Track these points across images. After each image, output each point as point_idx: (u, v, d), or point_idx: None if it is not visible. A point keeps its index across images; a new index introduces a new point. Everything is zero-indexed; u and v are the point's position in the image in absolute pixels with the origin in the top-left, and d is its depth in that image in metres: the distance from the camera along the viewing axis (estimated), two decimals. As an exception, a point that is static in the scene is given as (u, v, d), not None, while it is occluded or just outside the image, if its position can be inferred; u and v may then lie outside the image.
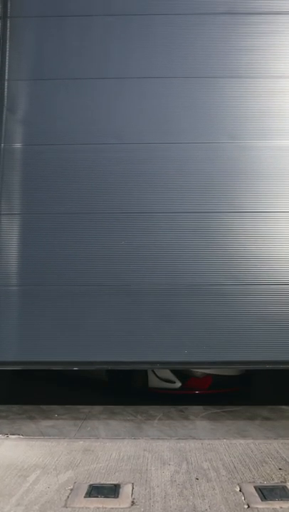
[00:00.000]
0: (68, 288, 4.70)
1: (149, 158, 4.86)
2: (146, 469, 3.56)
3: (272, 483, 3.35)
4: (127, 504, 3.01)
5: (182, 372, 6.04)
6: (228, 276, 4.67)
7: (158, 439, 4.29)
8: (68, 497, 3.11)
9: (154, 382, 6.07)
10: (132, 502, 3.04)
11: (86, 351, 4.65)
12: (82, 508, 2.97)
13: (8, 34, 5.03)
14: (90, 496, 3.12)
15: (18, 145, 4.93)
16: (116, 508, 2.96)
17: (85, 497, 3.11)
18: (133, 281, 4.69)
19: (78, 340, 4.65)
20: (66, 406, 5.69)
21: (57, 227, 4.80)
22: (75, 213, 4.81)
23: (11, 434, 4.38)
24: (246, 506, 3.01)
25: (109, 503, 3.02)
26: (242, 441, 4.22)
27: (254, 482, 3.36)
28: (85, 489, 3.21)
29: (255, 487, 3.26)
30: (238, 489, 3.25)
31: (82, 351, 4.66)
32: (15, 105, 4.96)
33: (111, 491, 3.19)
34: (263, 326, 4.60)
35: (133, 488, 3.24)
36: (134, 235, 4.75)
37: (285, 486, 3.28)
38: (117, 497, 3.11)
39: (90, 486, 3.27)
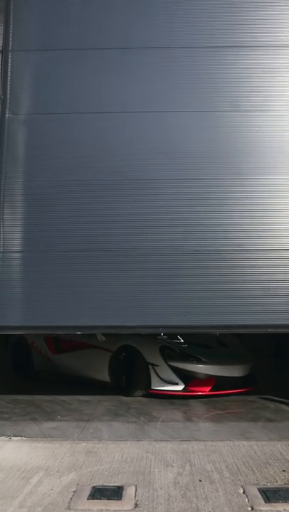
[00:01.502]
0: (71, 254, 4.74)
1: (152, 126, 4.89)
2: (150, 471, 3.55)
3: (275, 485, 3.34)
4: (131, 506, 3.00)
5: (185, 374, 6.03)
6: (230, 242, 4.70)
7: (161, 440, 4.28)
8: (71, 499, 3.10)
9: (156, 383, 6.06)
10: (136, 504, 3.03)
11: (89, 316, 4.67)
12: (86, 510, 2.96)
13: (11, 5, 5.09)
14: (93, 498, 3.11)
15: (22, 115, 4.97)
16: (119, 510, 2.95)
17: (88, 499, 3.10)
18: (136, 247, 4.72)
19: (82, 305, 4.68)
20: (69, 408, 5.69)
21: (60, 194, 4.84)
22: (79, 180, 4.83)
23: (13, 436, 4.38)
24: (250, 508, 3.00)
25: (112, 505, 3.02)
26: (245, 442, 4.20)
27: (258, 484, 3.34)
28: (88, 491, 3.21)
29: (258, 489, 3.25)
30: (242, 491, 3.23)
31: (85, 316, 4.68)
32: (19, 75, 5.01)
33: (114, 492, 3.18)
34: (263, 290, 4.63)
35: (136, 490, 3.23)
36: (137, 202, 4.78)
37: (289, 488, 3.27)
38: (120, 499, 3.10)
39: (93, 487, 3.26)
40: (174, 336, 6.83)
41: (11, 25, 5.05)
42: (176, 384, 6.00)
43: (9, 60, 5.01)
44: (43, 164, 4.89)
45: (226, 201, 4.76)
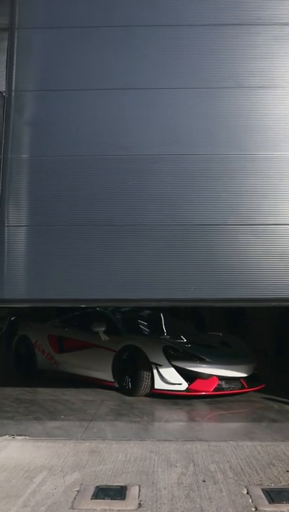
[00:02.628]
0: (76, 228, 4.78)
1: (156, 102, 4.91)
2: (153, 471, 3.55)
3: (279, 485, 3.33)
4: (134, 506, 3.00)
5: (188, 374, 6.02)
6: (234, 216, 4.73)
7: (164, 440, 4.27)
8: (75, 498, 3.10)
9: (160, 383, 6.05)
10: (139, 504, 3.03)
11: (94, 289, 4.70)
12: (89, 509, 2.96)
13: None
14: (96, 498, 3.11)
15: (29, 91, 5.03)
16: (123, 510, 2.95)
17: (91, 499, 3.10)
18: (140, 221, 4.76)
19: (86, 278, 4.71)
20: (72, 407, 5.70)
21: (63, 168, 4.89)
22: (83, 155, 4.88)
23: (17, 435, 4.38)
24: (254, 509, 2.99)
25: (115, 504, 3.01)
26: (249, 443, 4.19)
27: (261, 484, 3.33)
28: (91, 491, 3.21)
29: (262, 489, 3.24)
30: (246, 492, 3.23)
31: (89, 289, 4.71)
32: (25, 52, 5.05)
33: (118, 492, 3.18)
34: (267, 264, 4.67)
35: (140, 490, 3.23)
36: (142, 177, 4.82)
37: (293, 489, 3.25)
38: (124, 499, 3.10)
39: (97, 487, 3.26)
40: (177, 336, 6.83)
41: (17, 4, 5.10)
42: (180, 384, 5.99)
43: (15, 38, 5.06)
44: (48, 140, 4.94)
45: (233, 177, 4.80)
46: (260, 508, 3.00)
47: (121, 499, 3.09)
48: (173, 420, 5.17)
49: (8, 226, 4.80)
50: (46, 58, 5.07)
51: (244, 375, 6.33)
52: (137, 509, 2.96)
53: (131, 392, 6.22)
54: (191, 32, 4.94)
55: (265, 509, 2.99)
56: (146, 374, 6.10)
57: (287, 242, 4.69)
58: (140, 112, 4.91)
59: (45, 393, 6.83)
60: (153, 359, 6.11)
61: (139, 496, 3.13)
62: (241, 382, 6.25)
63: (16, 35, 5.03)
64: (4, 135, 4.88)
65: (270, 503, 3.06)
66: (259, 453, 3.94)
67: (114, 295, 4.70)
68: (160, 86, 4.90)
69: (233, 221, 4.71)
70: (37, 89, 5.03)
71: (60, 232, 4.78)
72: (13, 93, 4.98)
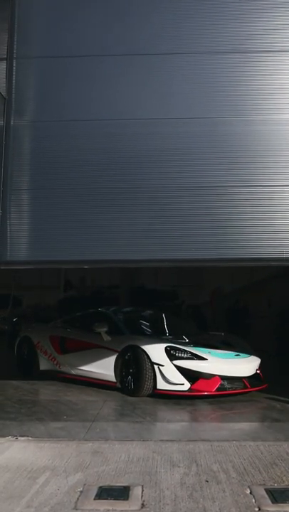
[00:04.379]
0: (78, 191, 4.88)
1: (156, 67, 5.02)
2: (156, 471, 3.55)
3: (282, 485, 3.33)
4: (137, 506, 3.00)
5: (190, 374, 6.02)
6: (234, 178, 4.82)
7: (167, 441, 4.27)
8: (78, 499, 3.11)
9: (162, 384, 6.05)
10: (142, 504, 3.03)
11: (96, 250, 4.81)
12: (92, 510, 2.96)
13: None
14: (99, 498, 3.11)
15: (33, 58, 5.15)
16: (126, 511, 2.95)
17: (94, 499, 3.10)
18: (141, 183, 4.86)
19: (88, 239, 4.82)
20: (75, 408, 5.70)
21: (65, 133, 5.00)
22: (84, 120, 4.99)
23: (20, 436, 4.38)
24: (257, 509, 2.99)
25: (119, 505, 3.02)
26: (251, 443, 4.19)
27: (264, 484, 3.33)
28: (94, 491, 3.21)
29: (265, 489, 3.24)
30: (249, 491, 3.23)
31: (92, 250, 4.81)
32: (27, 19, 5.19)
33: (121, 493, 3.18)
34: (267, 225, 4.76)
35: (143, 490, 3.23)
36: (141, 142, 4.92)
37: (296, 489, 3.25)
38: (127, 499, 3.10)
39: (100, 488, 3.26)
40: (179, 336, 6.83)
41: None
42: (182, 384, 5.99)
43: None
44: (49, 105, 5.07)
45: (231, 139, 4.89)
46: (263, 507, 3.00)
47: (124, 499, 3.09)
48: (175, 420, 5.17)
49: (10, 189, 4.90)
50: (49, 25, 5.20)
51: (246, 374, 6.33)
52: (140, 509, 2.96)
53: (133, 393, 6.23)
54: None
55: (269, 509, 2.98)
56: (148, 374, 6.11)
57: (286, 203, 4.78)
58: (141, 76, 5.02)
59: (47, 394, 6.84)
60: (155, 359, 6.11)
61: (142, 496, 3.13)
62: (244, 382, 6.25)
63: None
64: (7, 101, 5.01)
65: (273, 502, 3.06)
66: (262, 453, 3.94)
67: (116, 256, 4.80)
68: (162, 52, 5.03)
69: (232, 182, 4.81)
70: (40, 56, 5.14)
71: (62, 196, 4.89)
72: (15, 60, 5.08)
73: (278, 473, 3.52)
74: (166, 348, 6.17)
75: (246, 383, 6.26)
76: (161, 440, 4.29)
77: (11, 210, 4.88)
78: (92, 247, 4.79)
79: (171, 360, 6.08)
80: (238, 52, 4.98)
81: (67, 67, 5.11)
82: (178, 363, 6.06)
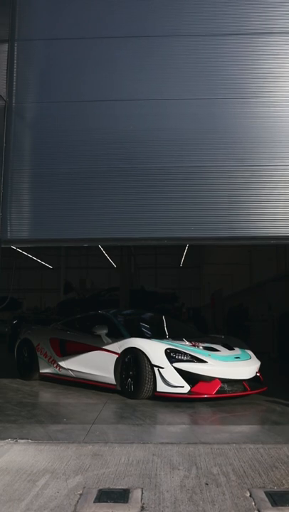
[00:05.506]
0: (79, 170, 4.98)
1: (155, 48, 5.11)
2: (156, 474, 3.55)
3: (282, 488, 3.32)
4: (137, 509, 2.99)
5: (190, 376, 6.02)
6: (233, 157, 4.91)
7: (167, 443, 4.26)
8: (78, 502, 3.10)
9: (162, 386, 6.05)
10: (142, 507, 3.03)
11: (96, 229, 4.90)
12: (92, 513, 2.96)
13: None
14: (99, 501, 3.10)
15: (34, 40, 5.25)
16: (125, 513, 2.95)
17: (94, 502, 3.10)
18: (141, 163, 4.95)
19: (89, 218, 4.91)
20: (74, 410, 5.70)
21: (67, 114, 5.10)
22: (84, 101, 5.09)
23: (19, 439, 4.38)
24: (257, 512, 2.98)
25: (118, 508, 3.01)
26: (251, 445, 4.18)
27: (264, 487, 3.33)
28: (94, 494, 3.20)
29: (265, 492, 3.23)
30: (248, 494, 3.22)
31: (92, 229, 4.91)
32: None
33: (120, 496, 3.18)
34: (266, 203, 4.83)
35: (142, 493, 3.23)
36: (142, 120, 5.02)
37: (296, 492, 3.25)
38: (127, 502, 3.09)
39: (100, 490, 3.26)
40: (179, 339, 6.82)
41: None
42: (182, 387, 5.99)
43: None
44: (50, 87, 5.17)
45: (229, 119, 4.99)
46: (263, 511, 2.99)
47: (124, 502, 3.09)
48: (175, 423, 5.16)
49: (11, 169, 4.99)
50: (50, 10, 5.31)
51: (246, 377, 6.33)
52: (139, 512, 2.96)
53: (133, 395, 6.22)
54: None
55: (268, 512, 2.98)
56: (148, 377, 6.10)
57: (284, 182, 4.87)
58: (143, 54, 5.13)
59: (47, 396, 6.83)
60: (155, 362, 6.11)
61: (141, 499, 3.13)
62: (244, 385, 6.25)
63: None
64: (8, 83, 5.11)
65: (273, 506, 3.05)
66: (262, 455, 3.93)
67: (116, 234, 4.90)
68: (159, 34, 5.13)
69: (230, 162, 4.90)
70: (41, 38, 5.24)
71: (63, 176, 4.99)
72: (16, 43, 5.18)
73: (278, 476, 3.51)
74: (166, 350, 6.17)
75: (246, 386, 6.26)
76: (161, 443, 4.28)
77: (12, 189, 4.98)
78: (92, 225, 4.89)
79: (171, 362, 6.08)
80: (239, 34, 5.06)
81: (66, 49, 5.19)
82: (178, 365, 6.06)
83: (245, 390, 6.24)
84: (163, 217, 4.83)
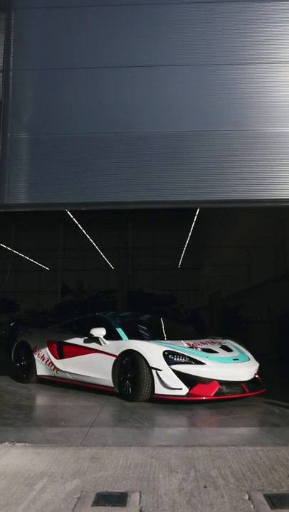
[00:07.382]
0: (77, 135, 5.04)
1: (154, 19, 5.17)
2: (154, 477, 3.52)
3: (281, 491, 3.30)
4: (135, 513, 2.97)
5: (189, 378, 6.00)
6: (229, 121, 4.96)
7: (165, 446, 4.24)
8: (75, 506, 3.08)
9: (160, 388, 6.02)
10: (140, 510, 3.00)
11: (92, 193, 4.96)
12: (90, 517, 2.93)
13: None
14: (97, 505, 3.08)
15: (32, 8, 5.31)
16: (124, 517, 2.92)
17: (92, 505, 3.07)
18: (138, 128, 5.01)
19: (85, 183, 4.98)
20: (72, 413, 5.67)
21: (67, 80, 5.16)
22: (85, 68, 5.15)
23: (17, 442, 4.35)
24: (256, 515, 2.96)
25: (116, 511, 2.99)
26: (250, 448, 4.16)
27: (263, 490, 3.31)
28: (92, 498, 3.18)
29: (264, 495, 3.21)
30: (247, 497, 3.20)
31: (89, 193, 4.98)
32: None
33: (118, 499, 3.15)
34: (262, 167, 4.87)
35: (141, 496, 3.20)
36: (139, 87, 5.08)
37: (295, 494, 3.23)
38: (125, 505, 3.07)
39: (97, 494, 3.23)
40: (177, 340, 6.80)
41: None
42: (180, 389, 5.97)
43: None
44: (52, 53, 5.23)
45: (225, 85, 5.05)
46: (262, 513, 2.97)
47: (122, 506, 3.06)
48: (174, 425, 5.14)
49: (11, 134, 5.03)
50: None
51: (245, 379, 6.31)
52: (138, 516, 2.93)
53: (131, 398, 6.20)
54: None
55: (267, 515, 2.96)
56: (146, 379, 6.08)
57: (279, 147, 4.91)
58: (143, 27, 5.17)
59: (44, 399, 6.81)
60: (153, 364, 6.09)
61: (140, 503, 3.11)
62: (242, 387, 6.23)
63: None
64: (5, 49, 5.17)
65: (271, 508, 3.03)
66: (261, 458, 3.92)
67: (114, 198, 4.95)
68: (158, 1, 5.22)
69: (227, 126, 4.95)
70: (38, 7, 5.31)
71: (61, 140, 5.03)
72: (13, 11, 5.23)
73: (277, 479, 3.50)
74: (164, 352, 6.15)
75: (245, 388, 6.24)
76: (160, 445, 4.26)
77: (10, 153, 5.01)
78: (89, 189, 4.95)
79: (169, 364, 6.06)
80: (237, 1, 5.13)
81: (69, 18, 5.25)
82: (176, 367, 6.04)
83: (244, 391, 6.22)
84: (160, 181, 4.89)
